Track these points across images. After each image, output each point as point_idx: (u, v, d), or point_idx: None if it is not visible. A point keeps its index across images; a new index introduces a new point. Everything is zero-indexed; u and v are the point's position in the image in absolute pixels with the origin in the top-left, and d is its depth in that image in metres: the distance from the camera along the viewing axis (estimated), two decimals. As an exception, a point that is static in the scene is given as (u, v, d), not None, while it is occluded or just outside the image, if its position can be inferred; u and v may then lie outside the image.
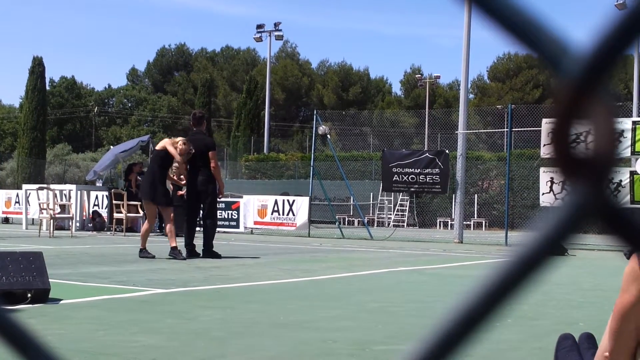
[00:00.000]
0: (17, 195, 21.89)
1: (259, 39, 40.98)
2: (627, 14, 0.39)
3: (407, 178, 16.67)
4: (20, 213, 19.94)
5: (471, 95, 56.86)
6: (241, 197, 19.43)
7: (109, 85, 77.83)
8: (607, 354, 2.14)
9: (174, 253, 9.41)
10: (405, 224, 29.85)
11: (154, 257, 9.33)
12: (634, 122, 13.45)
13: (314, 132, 19.09)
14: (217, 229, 10.45)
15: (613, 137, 0.39)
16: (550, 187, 13.88)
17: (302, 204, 18.14)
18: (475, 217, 29.43)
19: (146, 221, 9.87)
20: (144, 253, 9.46)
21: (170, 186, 17.79)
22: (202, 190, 9.89)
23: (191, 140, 10.15)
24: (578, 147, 0.40)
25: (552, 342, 2.93)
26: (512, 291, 0.41)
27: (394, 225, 25.83)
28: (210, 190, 9.88)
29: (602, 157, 0.39)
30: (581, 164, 0.40)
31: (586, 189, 0.40)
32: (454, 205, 18.65)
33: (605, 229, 0.41)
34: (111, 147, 19.84)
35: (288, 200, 18.45)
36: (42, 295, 4.87)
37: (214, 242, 9.98)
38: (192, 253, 9.85)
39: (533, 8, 0.41)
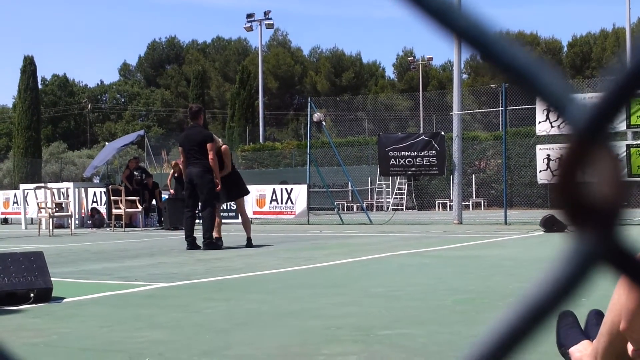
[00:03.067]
0: (15, 196, 21.88)
1: (250, 29, 40.87)
2: (632, 63, 0.38)
3: (404, 161, 16.67)
4: (19, 213, 19.93)
5: (465, 76, 56.77)
6: (239, 187, 19.41)
7: (102, 82, 77.72)
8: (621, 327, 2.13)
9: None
10: (404, 207, 29.90)
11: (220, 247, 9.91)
12: (629, 96, 13.46)
13: (308, 119, 19.07)
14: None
15: (620, 183, 0.39)
16: (547, 164, 13.90)
17: (300, 192, 18.14)
18: (474, 197, 29.46)
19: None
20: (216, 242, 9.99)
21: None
22: (198, 182, 9.90)
23: (188, 134, 10.22)
24: (586, 194, 0.39)
25: (554, 319, 2.94)
26: (518, 344, 0.41)
27: (393, 209, 25.86)
28: (207, 181, 9.89)
29: (611, 204, 0.39)
30: (589, 212, 0.39)
31: (596, 237, 0.39)
32: (452, 186, 18.65)
33: (619, 276, 0.40)
34: (106, 143, 19.77)
35: (286, 189, 18.45)
36: (44, 295, 4.88)
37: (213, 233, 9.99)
38: (193, 245, 9.87)
39: (534, 55, 0.41)
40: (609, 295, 2.20)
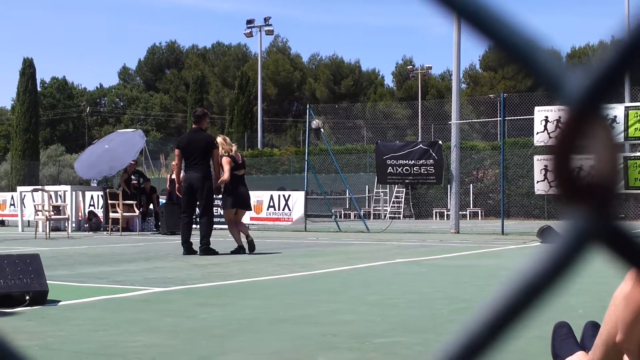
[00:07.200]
0: (12, 198, 21.84)
1: (250, 35, 40.93)
2: (626, 40, 0.38)
3: (402, 170, 16.66)
4: (16, 215, 19.90)
5: (463, 85, 56.87)
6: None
7: (101, 85, 77.73)
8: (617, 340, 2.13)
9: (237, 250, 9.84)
10: (401, 216, 29.88)
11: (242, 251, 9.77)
12: (627, 108, 13.48)
13: (307, 126, 19.07)
14: (214, 226, 10.45)
15: (615, 161, 0.39)
16: (545, 175, 13.90)
17: (297, 199, 18.13)
18: (471, 207, 29.45)
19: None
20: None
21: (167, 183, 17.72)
22: (198, 187, 9.88)
23: (191, 138, 10.19)
24: (581, 172, 0.39)
25: (551, 330, 2.94)
26: (511, 323, 0.41)
27: (390, 217, 25.85)
28: (206, 187, 9.88)
29: (605, 182, 0.39)
30: (584, 190, 0.39)
31: (591, 215, 0.39)
32: (450, 195, 18.67)
33: (612, 254, 0.40)
34: (106, 146, 19.38)
35: (283, 195, 18.43)
36: (40, 298, 4.87)
37: (210, 239, 9.97)
38: (189, 250, 9.85)
39: (530, 31, 0.41)
40: (603, 306, 2.20)
